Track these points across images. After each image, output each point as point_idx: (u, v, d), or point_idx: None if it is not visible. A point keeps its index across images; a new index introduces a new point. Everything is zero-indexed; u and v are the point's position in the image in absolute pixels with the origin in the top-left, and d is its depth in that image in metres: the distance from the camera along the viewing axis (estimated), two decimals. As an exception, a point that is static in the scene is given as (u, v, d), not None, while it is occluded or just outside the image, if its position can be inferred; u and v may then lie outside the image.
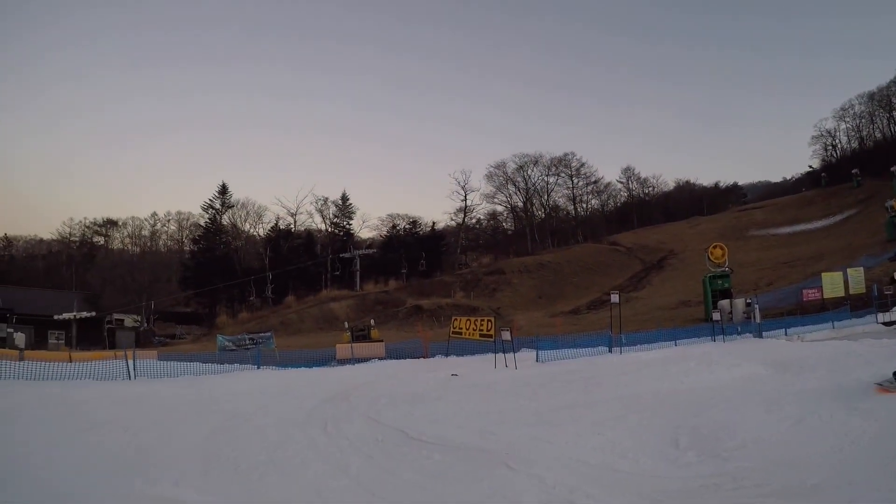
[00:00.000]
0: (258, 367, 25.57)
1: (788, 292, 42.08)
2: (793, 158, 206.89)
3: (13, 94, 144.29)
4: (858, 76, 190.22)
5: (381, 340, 35.18)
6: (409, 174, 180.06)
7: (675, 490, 6.21)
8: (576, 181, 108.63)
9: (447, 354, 27.42)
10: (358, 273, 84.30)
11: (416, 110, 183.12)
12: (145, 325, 75.94)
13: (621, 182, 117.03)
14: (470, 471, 7.85)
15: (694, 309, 46.63)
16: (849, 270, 37.23)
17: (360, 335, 38.22)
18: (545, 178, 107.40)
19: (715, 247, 44.19)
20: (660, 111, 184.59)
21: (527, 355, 23.52)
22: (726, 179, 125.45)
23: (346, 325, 42.24)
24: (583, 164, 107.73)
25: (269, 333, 35.38)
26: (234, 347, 33.35)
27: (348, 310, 69.17)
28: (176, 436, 11.04)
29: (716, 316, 31.07)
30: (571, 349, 24.84)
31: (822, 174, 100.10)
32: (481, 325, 25.54)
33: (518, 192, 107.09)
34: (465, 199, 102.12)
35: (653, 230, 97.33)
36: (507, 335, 21.85)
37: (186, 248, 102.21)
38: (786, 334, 28.00)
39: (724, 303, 35.97)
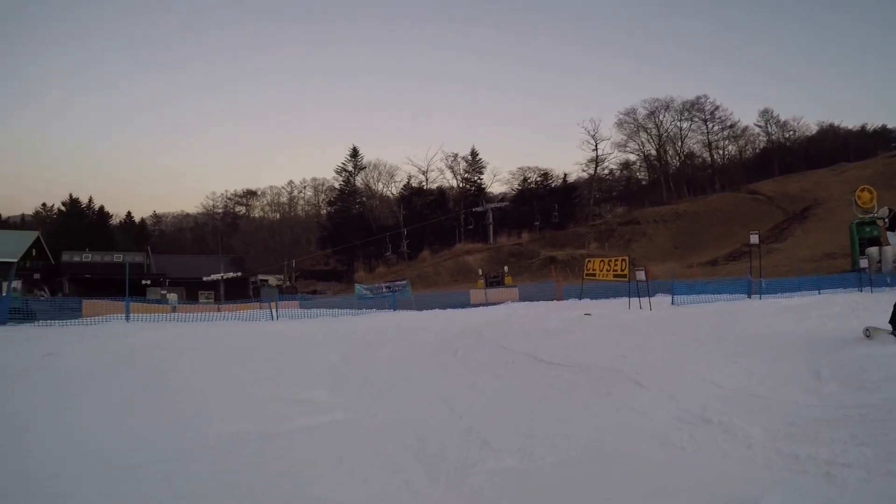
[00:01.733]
0: (394, 310, 26.10)
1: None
2: None
3: (154, 85, 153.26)
4: None
5: (515, 286, 35.24)
6: (538, 126, 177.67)
7: (816, 418, 5.68)
8: (710, 126, 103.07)
9: (580, 297, 27.10)
10: (491, 226, 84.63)
11: (542, 59, 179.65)
12: (287, 282, 79.36)
13: (759, 126, 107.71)
14: (598, 387, 7.58)
15: (840, 262, 43.65)
16: None
17: (494, 281, 38.56)
18: (678, 124, 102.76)
19: (863, 190, 41.20)
20: (799, 46, 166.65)
21: (662, 299, 22.79)
22: (874, 122, 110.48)
23: (480, 272, 42.72)
24: (717, 108, 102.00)
25: (405, 282, 35.95)
26: (371, 295, 34.11)
27: (482, 262, 69.55)
28: (311, 360, 11.40)
29: (863, 263, 28.34)
30: (708, 294, 23.90)
31: None
32: (615, 265, 24.84)
33: (650, 140, 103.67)
34: (596, 149, 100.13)
35: (794, 178, 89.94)
36: (641, 275, 21.26)
37: (323, 211, 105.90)
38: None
39: (873, 250, 33.62)
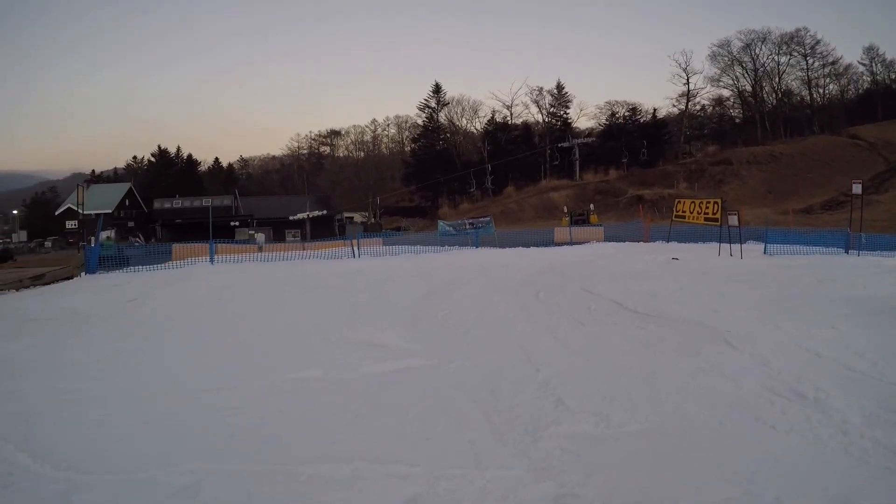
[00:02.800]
0: (476, 247, 25.85)
1: None
2: None
3: (230, 35, 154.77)
4: None
5: (601, 225, 34.37)
6: (627, 59, 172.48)
7: None
8: (810, 62, 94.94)
9: (668, 240, 26.21)
10: (577, 163, 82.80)
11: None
12: (372, 219, 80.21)
13: (863, 64, 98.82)
14: (686, 343, 7.10)
15: None
16: None
17: (579, 220, 37.71)
18: (775, 58, 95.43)
19: None
20: None
21: (753, 247, 21.59)
22: None
23: (565, 209, 41.81)
24: (818, 42, 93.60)
25: (488, 218, 35.61)
26: (454, 232, 33.91)
27: (567, 199, 68.32)
28: (389, 300, 11.27)
29: None
30: (803, 245, 22.67)
31: None
32: (706, 207, 23.78)
33: (745, 75, 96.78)
34: (688, 83, 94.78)
35: None
36: (734, 220, 20.25)
37: (407, 149, 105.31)
38: None
39: None
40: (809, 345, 6.82)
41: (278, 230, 65.67)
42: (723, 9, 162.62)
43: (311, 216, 69.91)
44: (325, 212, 73.50)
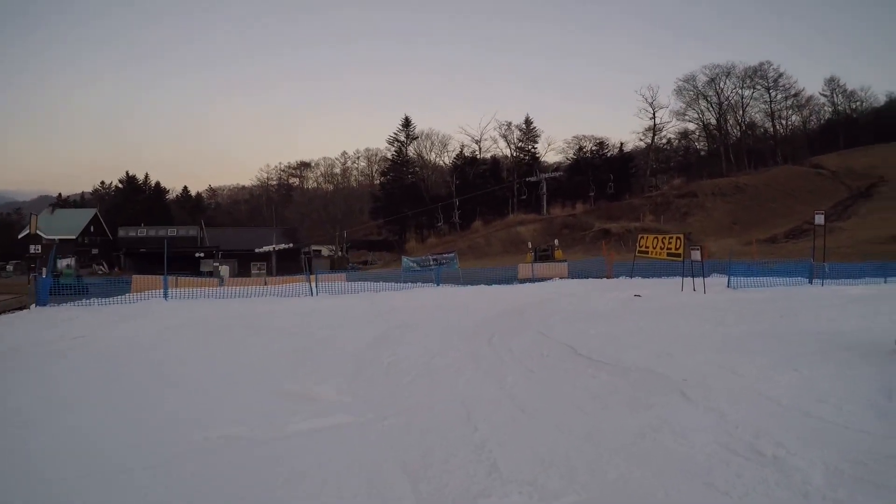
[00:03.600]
0: (438, 285, 25.45)
1: None
2: None
3: (202, 62, 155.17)
4: None
5: (565, 260, 34.15)
6: (594, 95, 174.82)
7: (888, 454, 4.74)
8: (773, 94, 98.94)
9: (631, 275, 26.03)
10: (544, 197, 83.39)
11: (599, 25, 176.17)
12: (339, 253, 79.72)
13: (825, 95, 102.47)
14: (638, 396, 6.68)
15: None
16: None
17: (544, 255, 37.48)
18: (739, 92, 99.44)
19: None
20: (869, 11, 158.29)
21: (717, 280, 21.57)
22: None
23: (530, 245, 41.57)
24: (781, 75, 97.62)
25: (452, 254, 35.22)
26: (418, 268, 33.52)
27: (535, 233, 68.60)
28: (335, 345, 10.79)
29: None
30: (767, 277, 22.60)
31: None
32: (670, 243, 23.66)
33: (710, 108, 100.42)
34: (654, 117, 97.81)
35: (861, 152, 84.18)
36: (696, 255, 20.08)
37: (376, 182, 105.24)
38: None
39: None
40: (770, 392, 6.47)
41: (244, 263, 65.01)
42: (688, 44, 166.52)
43: (276, 249, 69.25)
44: (290, 245, 72.83)
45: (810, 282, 22.50)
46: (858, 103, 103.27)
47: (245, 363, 9.35)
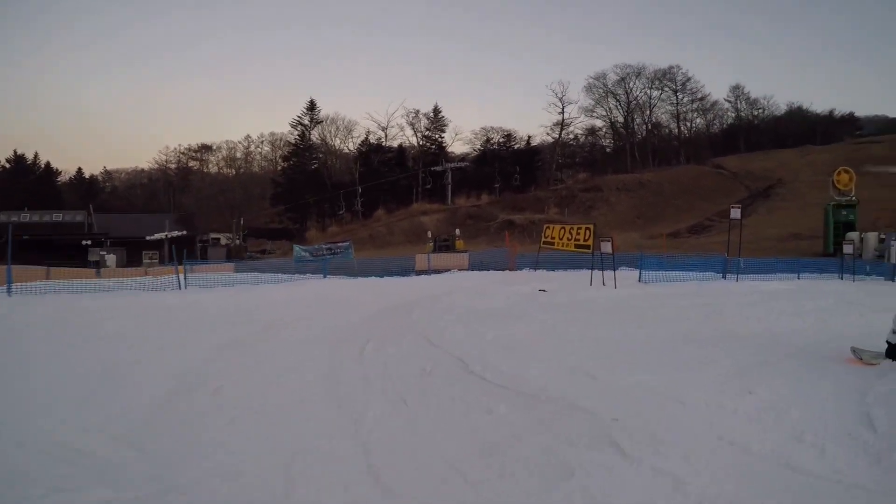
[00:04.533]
0: (325, 277, 23.06)
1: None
2: None
3: (102, 32, 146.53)
4: None
5: (466, 251, 32.14)
6: (505, 87, 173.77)
7: None
8: (680, 97, 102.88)
9: (535, 267, 24.30)
10: (450, 187, 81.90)
11: (513, 17, 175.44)
12: (237, 241, 76.01)
13: (729, 101, 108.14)
14: (553, 449, 4.39)
15: (807, 243, 41.76)
16: None
17: (444, 245, 35.30)
18: (647, 92, 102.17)
19: (841, 172, 39.23)
20: (774, 25, 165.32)
21: (627, 274, 20.24)
22: (842, 109, 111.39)
23: (429, 234, 39.32)
24: (689, 79, 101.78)
25: (347, 243, 32.87)
26: (310, 258, 31.13)
27: (439, 223, 67.04)
28: (166, 354, 8.36)
29: (847, 249, 25.48)
30: (679, 271, 21.42)
31: None
32: (578, 233, 21.92)
33: (619, 107, 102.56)
34: (563, 112, 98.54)
35: (760, 156, 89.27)
36: (607, 247, 18.40)
37: (279, 168, 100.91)
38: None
39: (854, 235, 31.49)
40: (731, 431, 4.52)
41: (136, 251, 60.68)
42: (601, 43, 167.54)
43: (169, 236, 64.93)
44: (184, 232, 68.56)
45: (723, 276, 21.48)
46: (760, 111, 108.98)
47: (26, 392, 6.56)
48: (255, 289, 18.81)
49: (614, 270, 17.97)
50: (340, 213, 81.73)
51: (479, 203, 78.17)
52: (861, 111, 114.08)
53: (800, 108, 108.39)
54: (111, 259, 52.64)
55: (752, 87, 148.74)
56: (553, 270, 23.67)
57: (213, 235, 76.43)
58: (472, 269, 26.02)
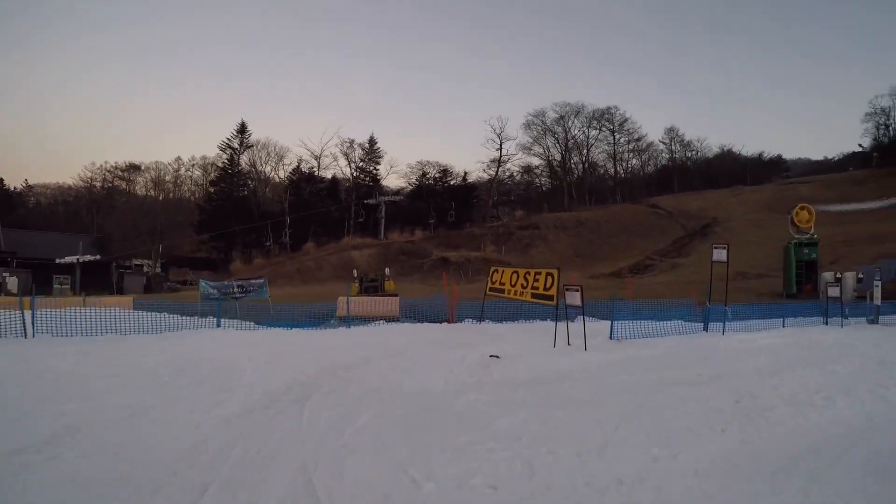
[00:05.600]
0: (218, 325, 18.29)
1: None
2: (836, 138, 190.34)
3: (37, 43, 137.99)
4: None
5: (397, 294, 27.14)
6: (443, 121, 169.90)
7: None
8: (617, 137, 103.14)
9: (480, 319, 19.94)
10: (383, 221, 77.49)
11: (455, 53, 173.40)
12: (156, 269, 69.64)
13: (664, 143, 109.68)
14: None
15: (756, 282, 40.21)
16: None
17: (371, 286, 30.04)
18: (585, 131, 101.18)
19: (801, 209, 37.06)
20: (708, 72, 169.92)
21: (593, 327, 15.34)
22: (770, 151, 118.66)
23: (355, 273, 33.78)
24: (626, 120, 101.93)
25: (261, 280, 27.97)
26: (218, 296, 26.22)
27: (370, 259, 62.56)
28: None
29: (833, 292, 22.54)
30: (649, 320, 17.36)
31: (874, 154, 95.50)
32: (537, 280, 16.75)
33: (557, 145, 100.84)
34: (501, 149, 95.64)
35: (694, 196, 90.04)
36: (575, 298, 14.24)
37: (207, 192, 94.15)
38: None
39: (829, 276, 28.92)
40: None
41: (45, 274, 53.96)
42: (541, 82, 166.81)
43: (81, 261, 58.44)
44: (98, 257, 62.11)
45: (705, 328, 17.90)
46: (694, 152, 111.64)
47: None
48: (115, 343, 14.00)
49: (584, 325, 13.90)
50: (267, 244, 76.24)
51: (413, 239, 73.52)
52: (787, 154, 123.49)
53: (730, 151, 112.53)
54: (12, 282, 46.47)
55: (687, 130, 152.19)
56: (500, 322, 19.41)
57: (136, 262, 69.81)
58: (404, 318, 21.52)
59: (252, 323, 19.62)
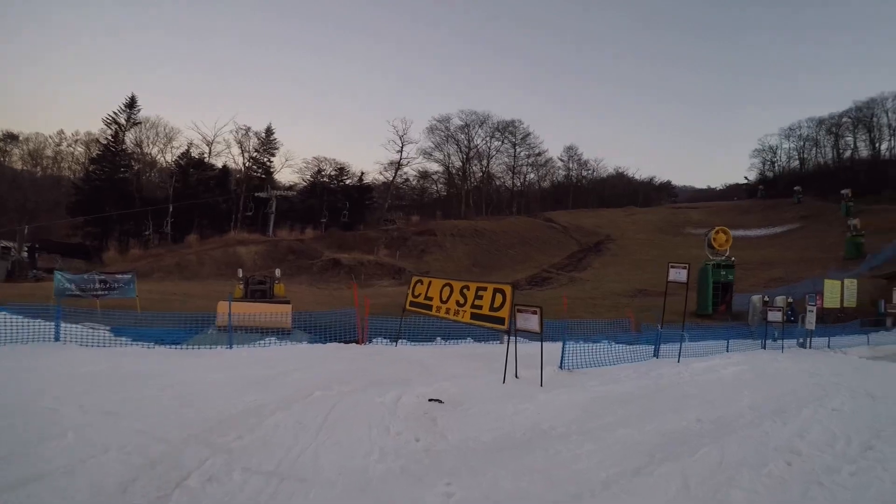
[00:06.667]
0: (57, 339, 13.80)
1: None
2: (718, 169, 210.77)
3: None
4: (808, 100, 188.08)
5: (288, 301, 22.91)
6: (343, 120, 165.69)
7: None
8: (518, 150, 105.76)
9: (395, 339, 16.23)
10: (272, 217, 72.48)
11: (362, 49, 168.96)
12: (21, 255, 61.69)
13: (562, 160, 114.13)
14: None
15: (658, 300, 37.44)
16: (845, 281, 30.17)
17: (259, 290, 25.50)
18: (488, 142, 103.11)
19: (718, 231, 36.82)
20: (608, 98, 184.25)
21: (531, 350, 11.58)
22: (660, 177, 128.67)
23: (240, 273, 29.03)
24: (528, 134, 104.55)
25: (129, 275, 23.24)
26: (77, 292, 21.57)
27: (256, 256, 57.98)
28: None
29: (773, 316, 21.78)
30: (593, 343, 14.67)
31: (760, 186, 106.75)
32: (480, 297, 12.26)
33: (459, 152, 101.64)
34: (402, 150, 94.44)
35: (588, 213, 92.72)
36: (533, 323, 10.90)
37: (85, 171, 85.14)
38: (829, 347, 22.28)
39: (757, 298, 28.11)
40: None
41: None
42: (448, 87, 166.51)
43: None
44: (-57, 238, 54.35)
45: (656, 354, 15.74)
46: (590, 171, 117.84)
47: None
48: None
49: (542, 358, 10.66)
50: (147, 233, 69.71)
51: (303, 238, 68.80)
52: (675, 181, 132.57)
53: (623, 174, 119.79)
54: None
55: (585, 149, 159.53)
56: (423, 343, 15.75)
57: (3, 244, 61.77)
58: (298, 329, 17.50)
59: (110, 332, 15.31)
